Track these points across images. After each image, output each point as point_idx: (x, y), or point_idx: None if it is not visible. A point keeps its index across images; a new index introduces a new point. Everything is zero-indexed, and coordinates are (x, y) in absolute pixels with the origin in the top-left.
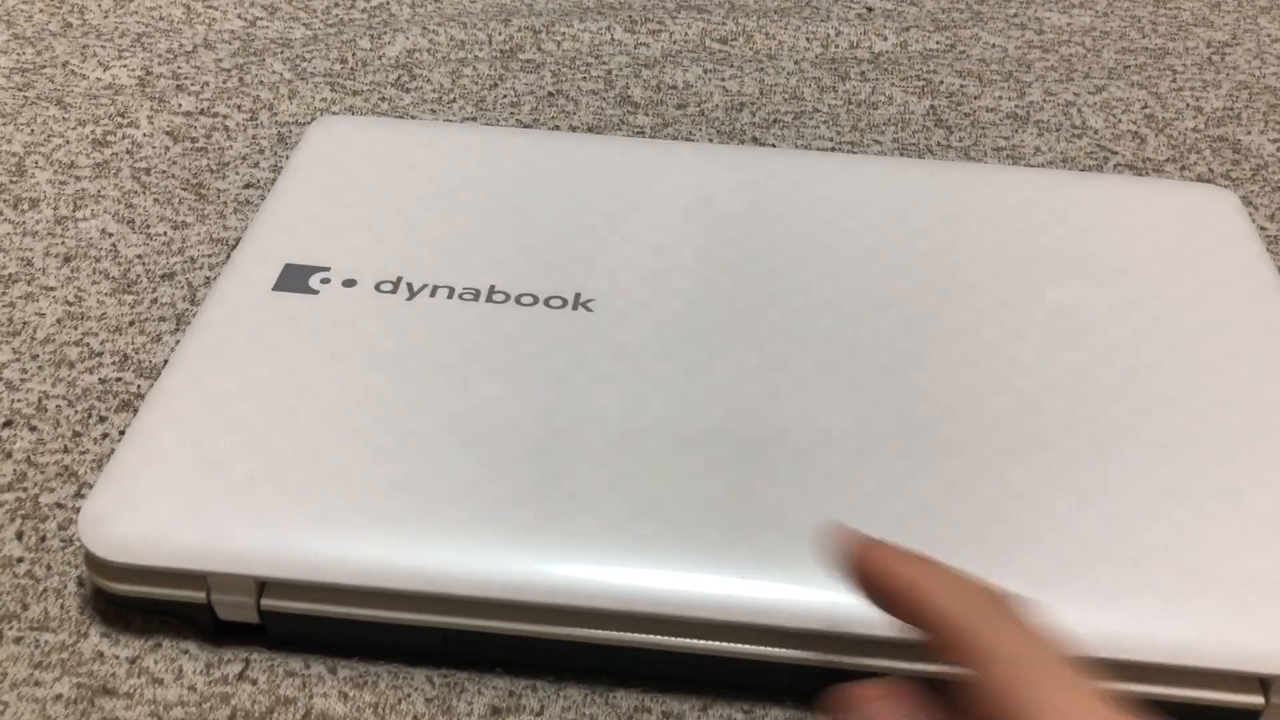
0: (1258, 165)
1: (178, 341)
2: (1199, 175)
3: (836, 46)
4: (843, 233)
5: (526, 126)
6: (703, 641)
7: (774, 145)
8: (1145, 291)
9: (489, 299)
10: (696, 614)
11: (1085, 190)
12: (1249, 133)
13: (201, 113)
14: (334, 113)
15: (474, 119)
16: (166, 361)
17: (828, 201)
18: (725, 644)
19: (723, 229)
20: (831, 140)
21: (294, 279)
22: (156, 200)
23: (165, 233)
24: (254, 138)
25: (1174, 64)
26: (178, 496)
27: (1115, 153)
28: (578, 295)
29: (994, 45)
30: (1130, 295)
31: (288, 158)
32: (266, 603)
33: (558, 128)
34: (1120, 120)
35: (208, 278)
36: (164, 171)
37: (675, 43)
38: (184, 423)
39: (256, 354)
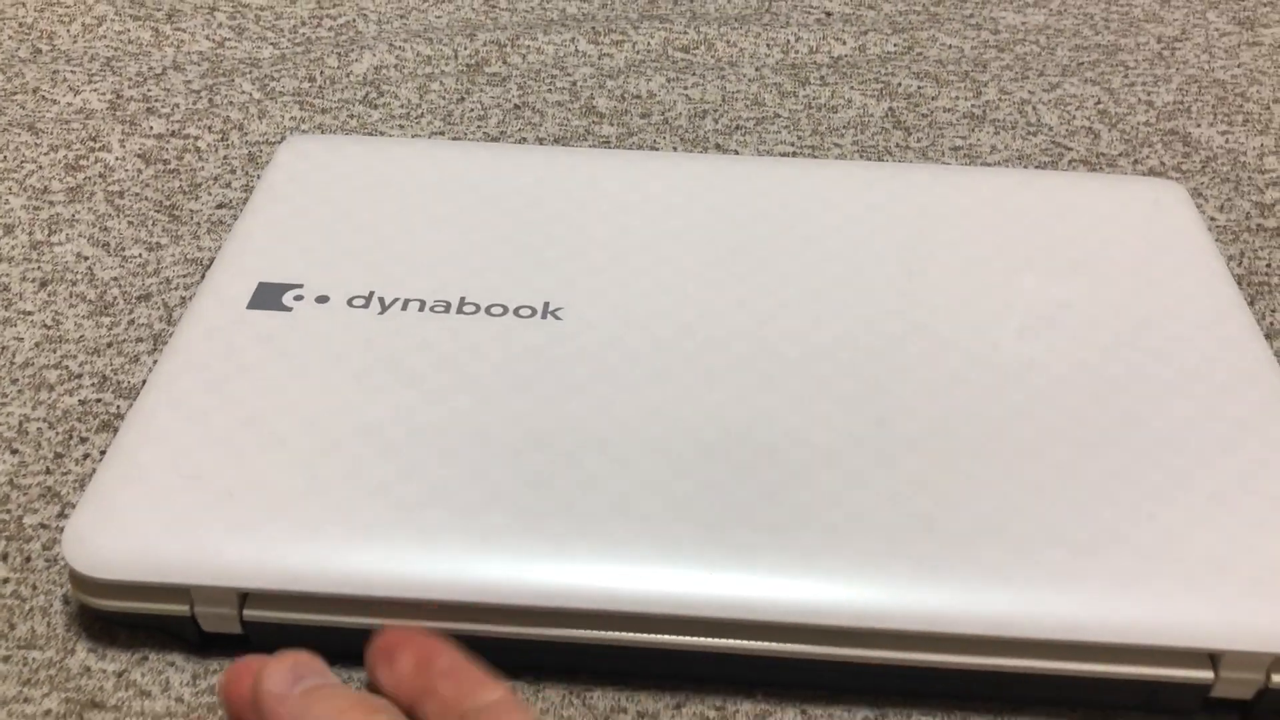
0: (1208, 157)
1: (155, 361)
2: (1151, 169)
3: (796, 52)
4: (805, 237)
5: (494, 140)
6: (675, 637)
7: (737, 152)
8: (1098, 285)
9: (459, 310)
10: (669, 610)
11: (1037, 188)
12: (1199, 125)
13: (172, 135)
14: (303, 131)
15: (442, 133)
16: (145, 381)
17: (790, 207)
18: (696, 639)
19: (689, 236)
20: (793, 145)
21: (268, 297)
22: (130, 223)
23: (140, 255)
24: (225, 158)
25: (1126, 60)
26: (159, 512)
27: (1070, 149)
28: (546, 304)
29: (950, 46)
30: (1083, 289)
31: (259, 177)
32: (249, 613)
33: (524, 140)
34: (1074, 116)
35: (183, 298)
36: (137, 194)
37: (638, 53)
38: (164, 440)
39: (233, 371)
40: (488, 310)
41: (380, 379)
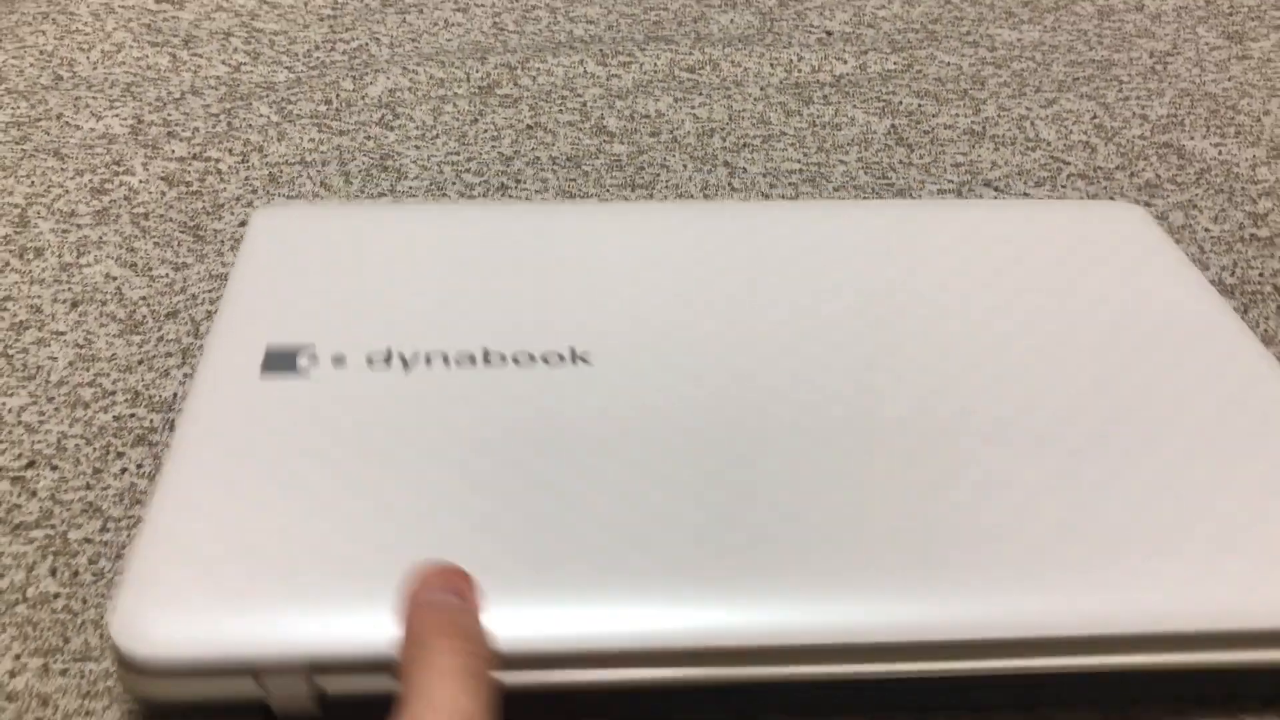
0: (1201, 169)
1: (170, 432)
2: (1147, 181)
3: (799, 71)
4: (794, 276)
5: (508, 159)
6: (731, 670)
7: (745, 169)
8: (1090, 309)
9: (486, 361)
10: (699, 643)
11: (1001, 218)
12: (1192, 138)
13: (194, 157)
14: (272, 203)
15: (457, 154)
16: (161, 458)
17: (775, 249)
18: (746, 670)
19: (693, 277)
20: (799, 161)
21: (279, 361)
22: (156, 244)
23: (167, 274)
24: (246, 179)
25: (1120, 75)
26: (211, 586)
27: (1068, 163)
28: (573, 350)
29: (949, 64)
30: (1076, 314)
31: (236, 248)
32: (322, 683)
33: (538, 159)
34: (1071, 131)
35: (209, 311)
36: (162, 215)
37: (645, 73)
38: (200, 512)
39: (259, 439)
40: (514, 360)
41: (419, 436)
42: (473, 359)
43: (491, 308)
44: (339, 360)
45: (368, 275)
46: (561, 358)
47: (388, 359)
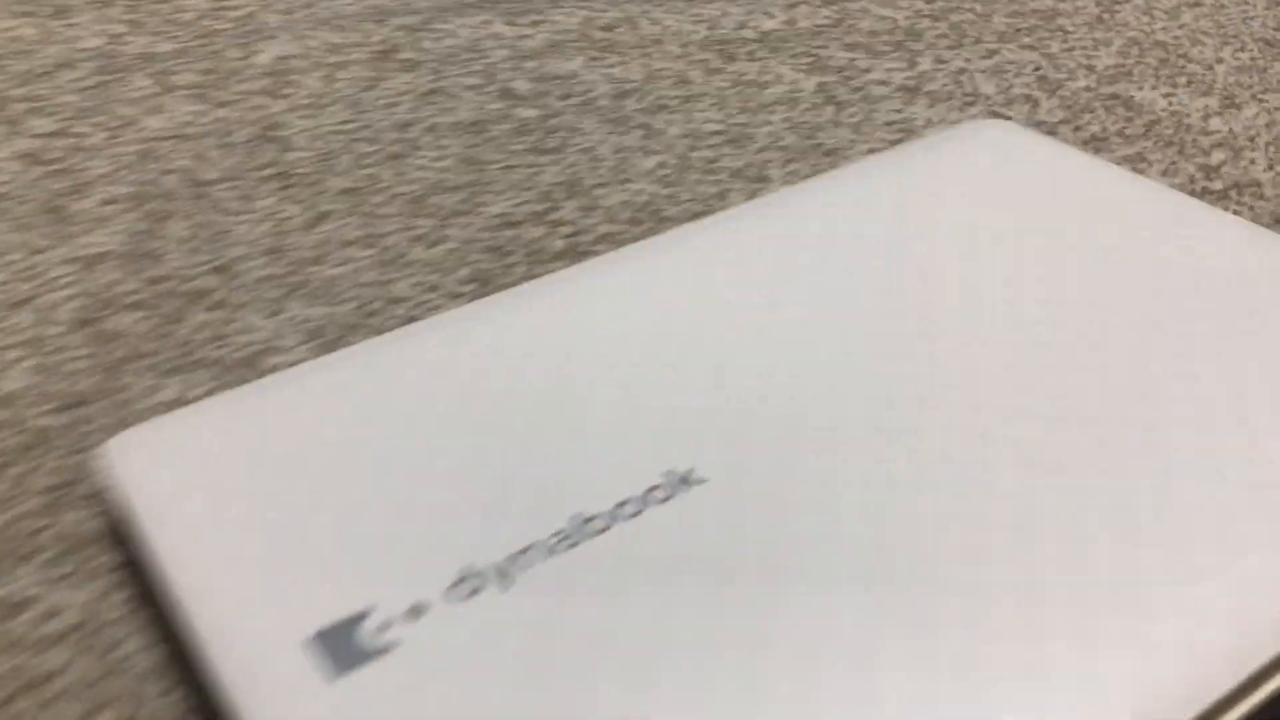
0: (1151, 121)
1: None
2: (1093, 134)
3: (723, 27)
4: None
5: (405, 125)
6: None
7: (664, 132)
8: (1023, 240)
9: (588, 531)
10: None
11: (896, 170)
12: (1141, 89)
13: (60, 134)
14: (131, 426)
15: (351, 121)
16: None
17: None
18: None
19: (700, 333)
20: (720, 123)
21: (341, 651)
22: (13, 227)
23: (22, 258)
24: (116, 155)
25: (1064, 24)
26: None
27: (1009, 118)
28: (672, 474)
29: (883, 16)
30: (1017, 252)
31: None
32: None
33: (436, 125)
34: (1013, 85)
35: (68, 295)
36: (19, 197)
37: (558, 33)
38: None
39: None
40: (620, 513)
41: (580, 650)
42: (567, 537)
43: (529, 464)
44: (415, 611)
45: (338, 481)
46: (669, 487)
47: (472, 584)
